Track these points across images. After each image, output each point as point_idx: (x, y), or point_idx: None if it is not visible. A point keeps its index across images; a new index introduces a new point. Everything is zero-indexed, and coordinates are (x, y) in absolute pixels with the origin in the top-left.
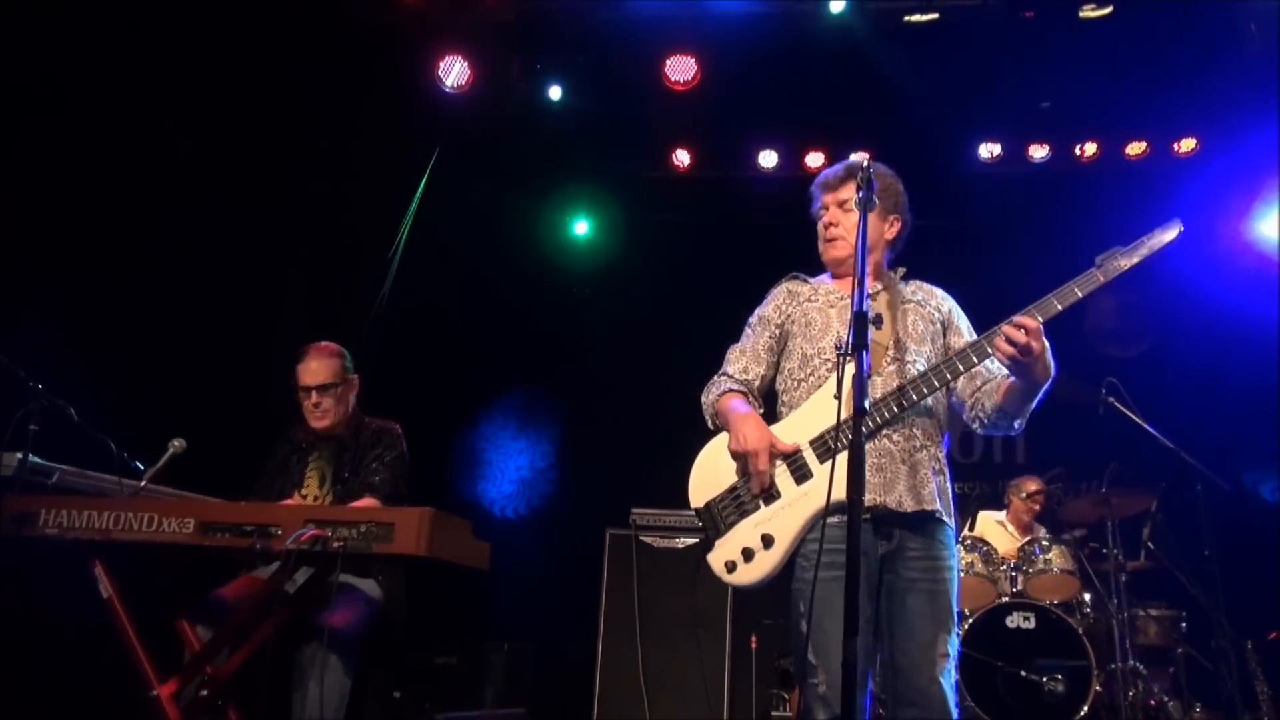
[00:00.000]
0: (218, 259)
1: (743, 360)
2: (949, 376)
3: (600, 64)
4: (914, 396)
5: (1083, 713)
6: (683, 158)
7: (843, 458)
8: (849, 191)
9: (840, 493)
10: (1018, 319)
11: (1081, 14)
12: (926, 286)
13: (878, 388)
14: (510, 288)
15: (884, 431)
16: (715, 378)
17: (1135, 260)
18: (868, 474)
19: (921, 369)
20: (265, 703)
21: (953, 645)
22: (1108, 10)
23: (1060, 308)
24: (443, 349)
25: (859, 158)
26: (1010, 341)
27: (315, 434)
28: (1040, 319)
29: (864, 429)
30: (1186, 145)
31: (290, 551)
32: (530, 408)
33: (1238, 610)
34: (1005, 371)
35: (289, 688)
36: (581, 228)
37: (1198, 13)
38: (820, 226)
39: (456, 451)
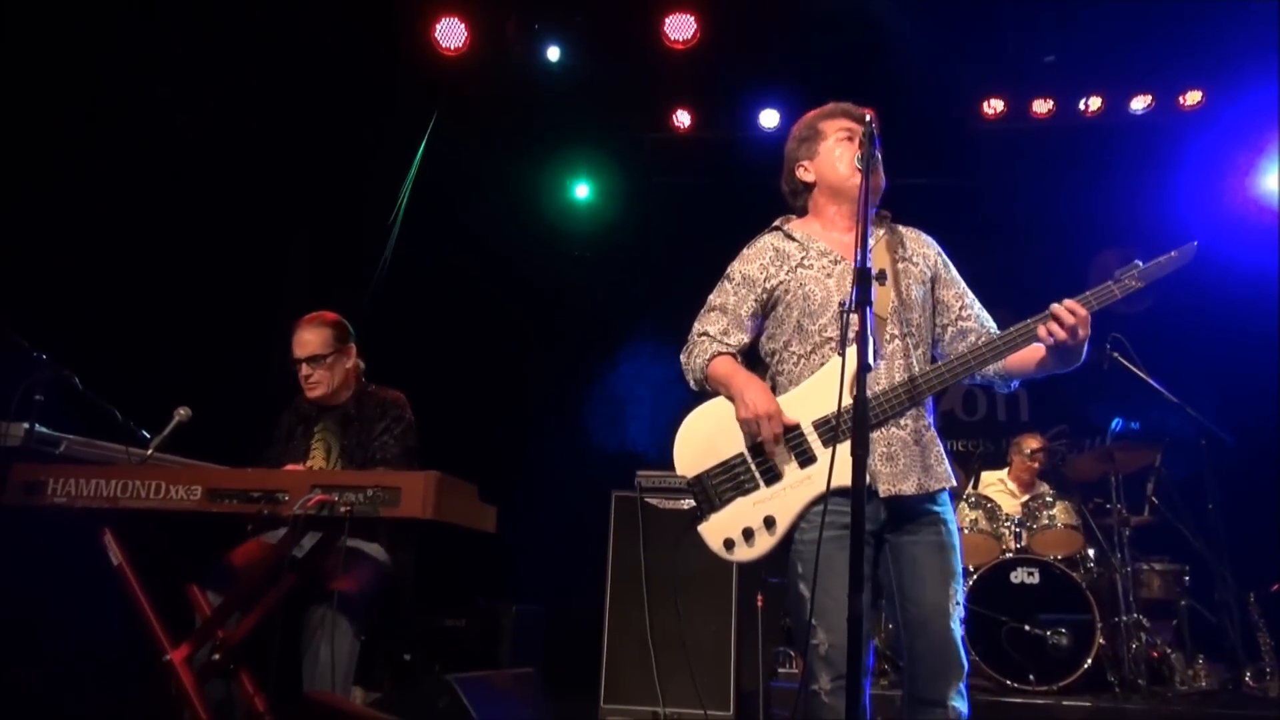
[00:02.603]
0: (220, 227)
1: (723, 322)
2: (964, 370)
3: (599, 24)
4: (936, 385)
5: (1086, 665)
6: (683, 119)
7: (844, 448)
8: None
9: (845, 479)
10: (1069, 303)
11: None
12: (913, 233)
13: (881, 375)
14: (511, 251)
15: (891, 420)
16: (694, 337)
17: (1151, 280)
18: (878, 464)
19: (916, 345)
20: (276, 666)
21: (961, 595)
22: None
23: (1106, 302)
24: (445, 313)
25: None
26: (1061, 324)
27: (319, 404)
28: (1089, 309)
29: (875, 418)
30: (1192, 98)
31: (298, 516)
32: (534, 371)
33: (1240, 563)
34: (991, 325)
35: (299, 651)
36: (582, 191)
37: None
38: (854, 153)
39: (461, 415)
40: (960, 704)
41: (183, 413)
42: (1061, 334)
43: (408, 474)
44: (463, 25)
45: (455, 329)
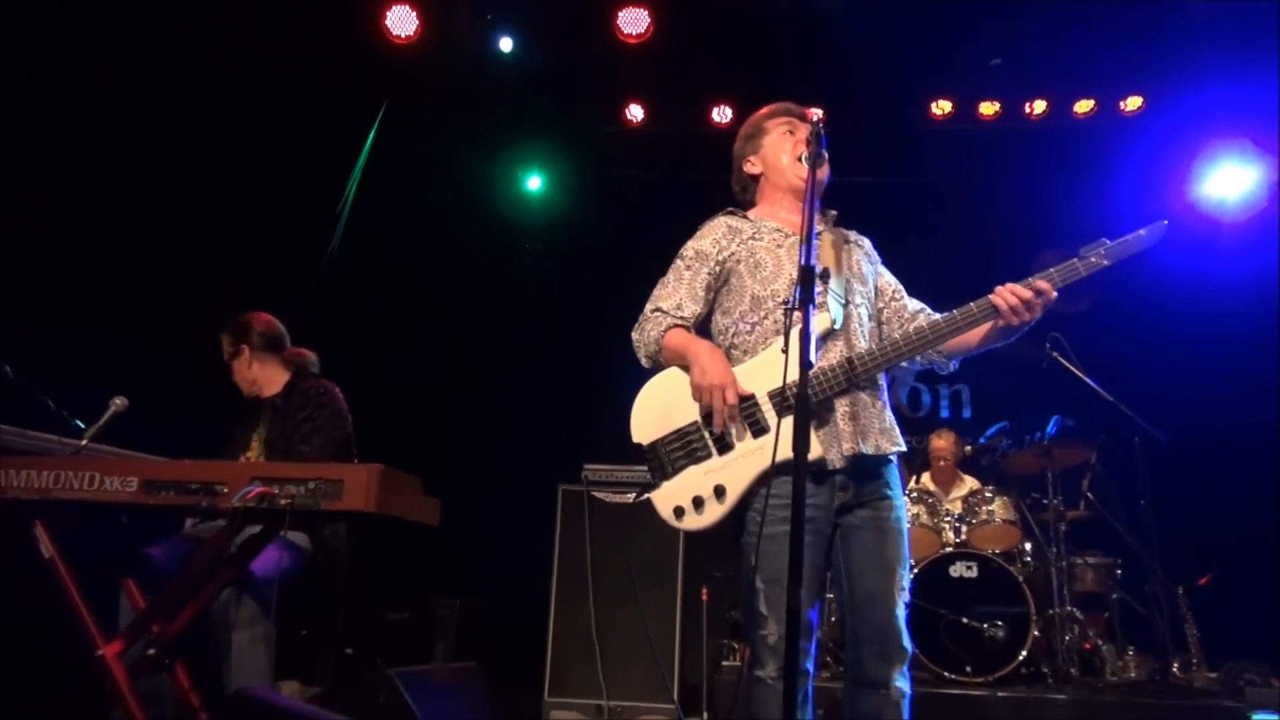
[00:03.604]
0: (162, 215)
1: (677, 296)
2: (922, 345)
3: (552, 15)
4: (882, 364)
5: (1021, 657)
6: (636, 113)
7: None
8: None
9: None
10: (1038, 283)
11: None
12: (854, 235)
13: (836, 349)
14: (462, 243)
15: (846, 394)
16: (647, 313)
17: (1117, 259)
18: (842, 424)
19: (870, 317)
20: (211, 659)
21: (907, 579)
22: None
23: (1071, 280)
24: (394, 305)
25: (813, 113)
26: (1020, 299)
27: (254, 400)
28: (1055, 286)
29: (826, 391)
30: (1133, 104)
31: (236, 509)
32: (482, 363)
33: (1170, 557)
34: (922, 308)
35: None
36: (534, 183)
37: None
38: (795, 144)
39: (409, 407)
40: (903, 685)
41: (119, 403)
42: (1025, 314)
43: (350, 466)
44: (414, 14)
45: (404, 320)
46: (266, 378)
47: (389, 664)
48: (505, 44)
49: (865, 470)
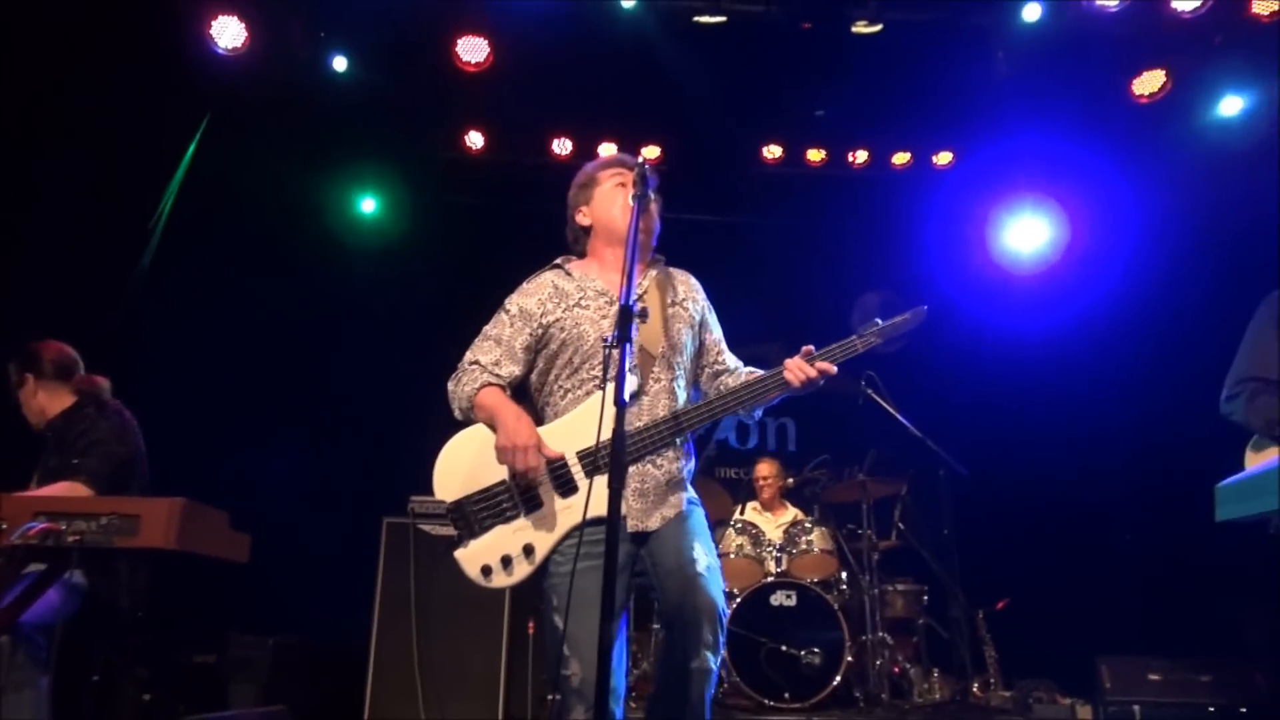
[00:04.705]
0: None
1: (496, 353)
2: (721, 412)
3: (388, 37)
4: (687, 427)
5: (835, 682)
6: (476, 140)
7: (602, 481)
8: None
9: (597, 510)
10: (820, 365)
11: (854, 29)
12: (684, 276)
13: (643, 411)
14: (288, 265)
15: (647, 457)
16: (465, 365)
17: (887, 338)
18: (630, 499)
19: (684, 386)
20: None
21: (711, 556)
22: (878, 28)
23: (850, 355)
24: (209, 328)
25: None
26: (808, 377)
27: (42, 432)
28: (835, 362)
29: (632, 453)
30: (944, 158)
31: (16, 547)
32: (305, 390)
33: (971, 583)
34: (740, 365)
35: None
36: (368, 205)
37: (955, 37)
38: (625, 199)
39: (219, 436)
40: (712, 661)
41: None
42: (810, 388)
43: (148, 501)
44: (241, 25)
45: (219, 345)
46: (55, 407)
47: (191, 710)
48: (339, 63)
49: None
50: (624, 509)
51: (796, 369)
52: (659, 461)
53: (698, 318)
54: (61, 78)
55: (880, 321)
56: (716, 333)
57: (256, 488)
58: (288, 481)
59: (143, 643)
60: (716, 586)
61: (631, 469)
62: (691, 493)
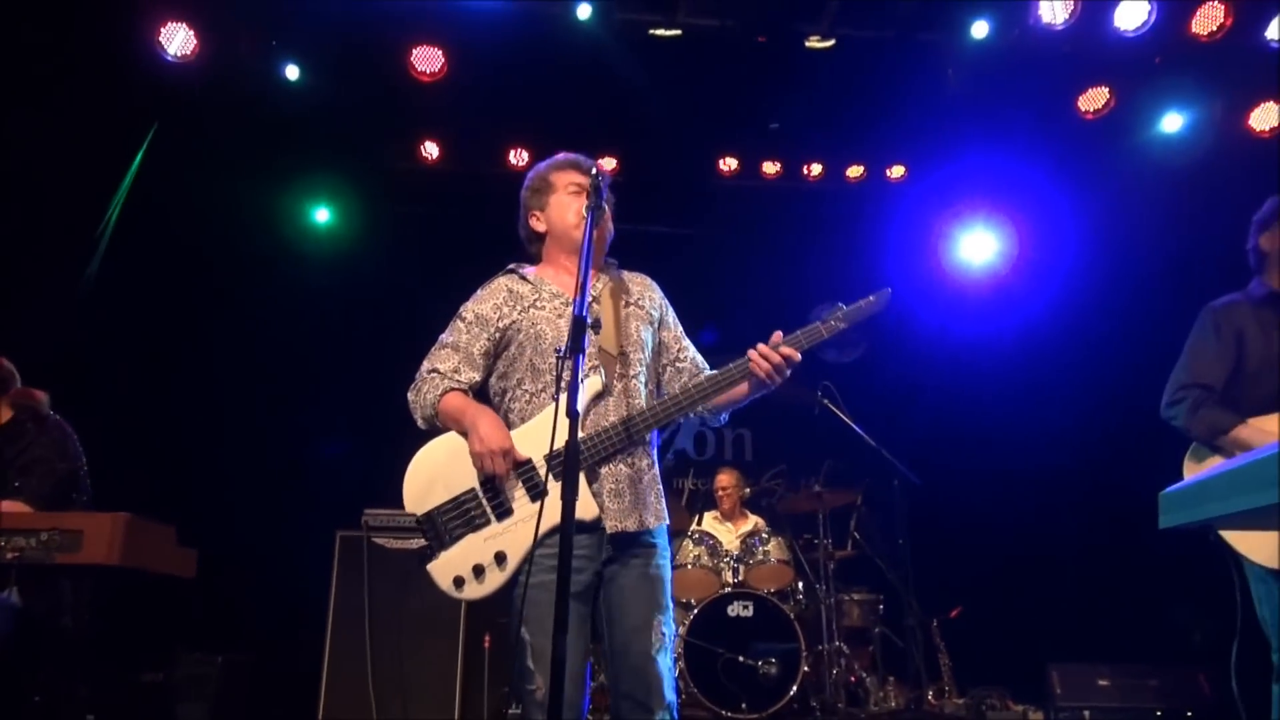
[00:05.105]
0: None
1: (455, 360)
2: (688, 405)
3: (341, 47)
4: (652, 424)
5: (792, 692)
6: (431, 150)
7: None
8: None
9: (578, 513)
10: (785, 350)
11: (807, 44)
12: (639, 278)
13: (611, 410)
14: (240, 275)
15: (620, 455)
16: (424, 374)
17: (852, 323)
18: (607, 500)
19: (646, 382)
20: None
21: (668, 626)
22: (830, 43)
23: (815, 341)
24: (159, 339)
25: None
26: (772, 364)
27: None
28: (800, 350)
29: (600, 453)
30: (897, 172)
31: None
32: (257, 402)
33: (925, 592)
34: (701, 365)
35: None
36: (322, 215)
37: (906, 53)
38: (581, 208)
39: (167, 449)
40: None
41: None
42: (776, 377)
43: (91, 515)
44: (191, 33)
45: (167, 356)
46: None
47: None
48: (292, 72)
49: (633, 537)
50: (599, 509)
51: (760, 356)
52: (631, 460)
53: (655, 314)
54: (4, 85)
55: (844, 306)
56: (677, 330)
57: (205, 501)
58: (238, 495)
59: (87, 662)
60: (667, 667)
61: (604, 469)
62: (662, 505)
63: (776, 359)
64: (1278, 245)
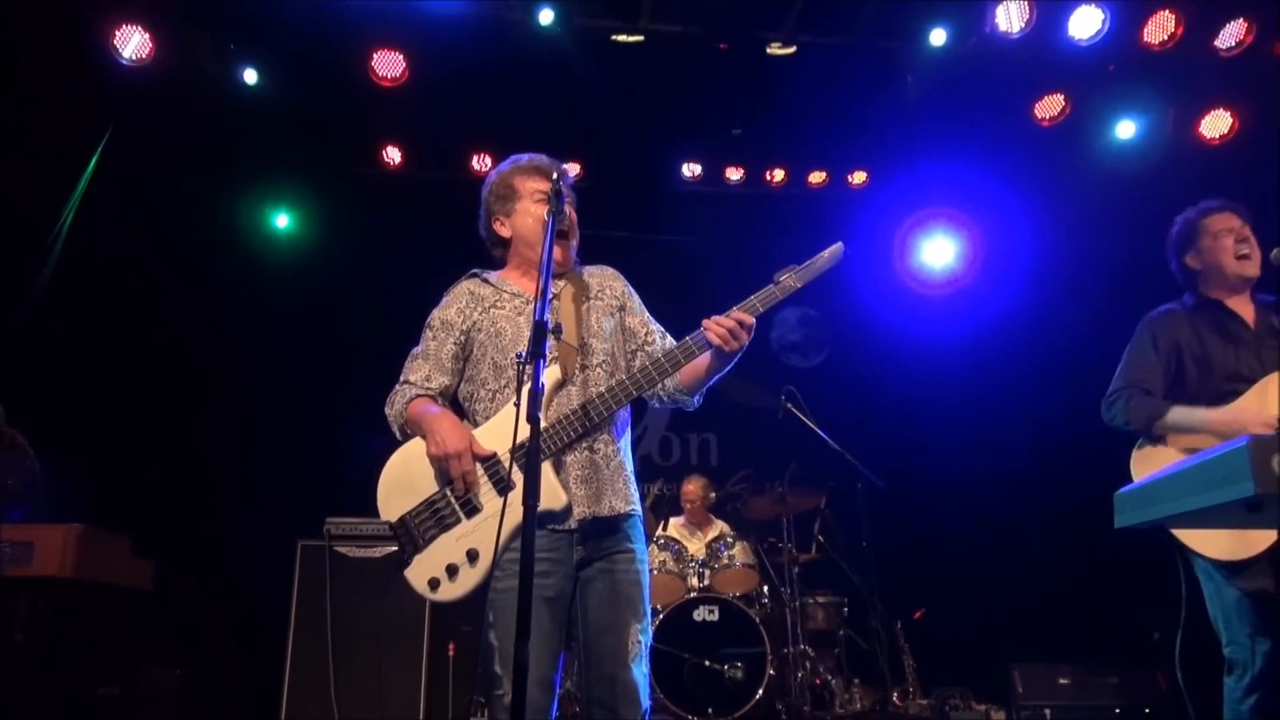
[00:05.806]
0: None
1: (425, 368)
2: (646, 382)
3: (300, 51)
4: (613, 405)
5: (758, 696)
6: (393, 155)
7: (545, 469)
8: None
9: (546, 503)
10: (737, 314)
11: (769, 51)
12: (599, 270)
13: (573, 397)
14: (198, 281)
15: (584, 441)
16: (397, 387)
17: (807, 281)
18: (574, 486)
19: (611, 370)
20: None
21: (645, 635)
22: (791, 50)
23: (771, 304)
24: (114, 346)
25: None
26: (726, 329)
27: None
28: (753, 316)
29: (563, 440)
30: (859, 178)
31: None
32: (216, 411)
33: (889, 594)
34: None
35: None
36: (282, 220)
37: (866, 60)
38: (571, 211)
39: (122, 458)
40: None
41: None
42: (733, 342)
43: (42, 527)
44: (146, 36)
45: (123, 363)
46: None
47: None
48: (250, 76)
49: (604, 526)
50: (567, 498)
51: (714, 323)
52: (593, 445)
53: (617, 303)
54: None
55: (796, 266)
56: (643, 315)
57: (162, 512)
58: (196, 504)
59: (40, 676)
60: (642, 675)
61: (569, 457)
62: (631, 491)
63: (729, 323)
64: (1202, 261)
